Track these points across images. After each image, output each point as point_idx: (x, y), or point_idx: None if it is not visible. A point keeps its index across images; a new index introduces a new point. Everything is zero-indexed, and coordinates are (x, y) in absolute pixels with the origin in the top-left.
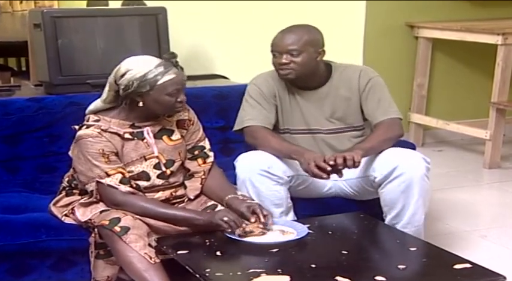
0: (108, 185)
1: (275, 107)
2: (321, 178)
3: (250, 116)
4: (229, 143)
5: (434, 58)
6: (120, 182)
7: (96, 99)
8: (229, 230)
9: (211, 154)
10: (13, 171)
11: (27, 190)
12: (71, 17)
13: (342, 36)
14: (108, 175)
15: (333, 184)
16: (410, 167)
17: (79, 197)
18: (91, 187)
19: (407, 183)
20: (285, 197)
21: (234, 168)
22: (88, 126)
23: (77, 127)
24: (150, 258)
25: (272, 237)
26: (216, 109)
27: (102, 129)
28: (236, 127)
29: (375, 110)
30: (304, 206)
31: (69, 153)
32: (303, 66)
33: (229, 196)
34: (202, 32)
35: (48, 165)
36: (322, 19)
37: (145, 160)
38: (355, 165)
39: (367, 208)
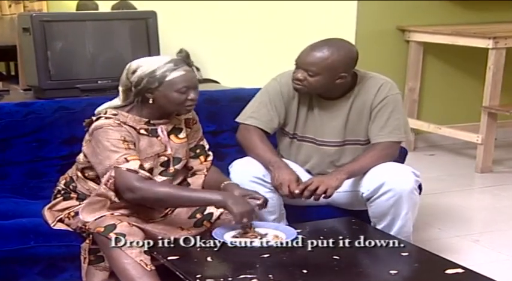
0: (127, 170)
1: (285, 111)
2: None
3: (256, 114)
4: (220, 148)
5: (426, 62)
6: (140, 168)
7: (103, 102)
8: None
9: (210, 152)
10: (1, 176)
11: (16, 196)
12: (60, 21)
13: None
14: (127, 161)
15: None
16: (398, 183)
17: (77, 203)
18: (108, 174)
19: (396, 198)
20: (278, 205)
21: (228, 173)
22: (107, 118)
23: (94, 118)
24: (146, 265)
25: (261, 241)
26: (207, 113)
27: (121, 121)
28: (239, 119)
29: (378, 129)
30: (297, 213)
31: (83, 149)
32: (316, 87)
33: (226, 182)
34: (192, 36)
35: (37, 170)
36: (313, 24)
37: (158, 157)
38: (325, 197)
39: (359, 215)
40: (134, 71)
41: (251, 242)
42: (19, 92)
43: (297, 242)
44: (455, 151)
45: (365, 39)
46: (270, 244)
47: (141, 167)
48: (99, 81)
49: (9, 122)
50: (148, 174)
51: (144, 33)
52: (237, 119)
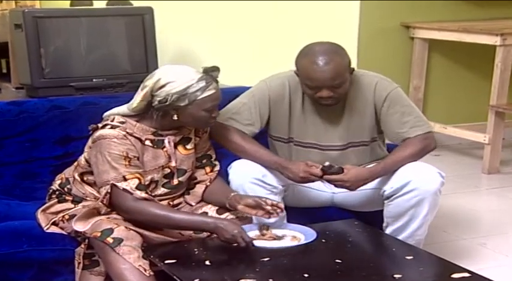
0: (124, 190)
1: (268, 115)
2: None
3: (238, 116)
4: (218, 148)
5: (431, 60)
6: (136, 187)
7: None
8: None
9: (217, 162)
10: None
11: (8, 197)
12: (54, 17)
13: (335, 38)
14: (125, 179)
15: (330, 195)
16: (424, 183)
17: (72, 206)
18: (105, 189)
19: (419, 198)
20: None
21: (226, 175)
22: (113, 127)
23: (99, 125)
24: (145, 270)
25: (279, 242)
26: None
27: (127, 132)
28: (218, 119)
29: (399, 127)
30: (298, 215)
31: (85, 154)
32: (344, 94)
33: (233, 194)
34: (190, 33)
35: (30, 171)
36: (314, 20)
37: (162, 169)
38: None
39: (362, 217)
40: (162, 87)
41: (269, 243)
42: (11, 91)
43: (299, 245)
44: (461, 151)
45: (368, 36)
46: (288, 245)
47: (139, 186)
48: (94, 80)
49: (0, 121)
50: (144, 195)
51: (140, 30)
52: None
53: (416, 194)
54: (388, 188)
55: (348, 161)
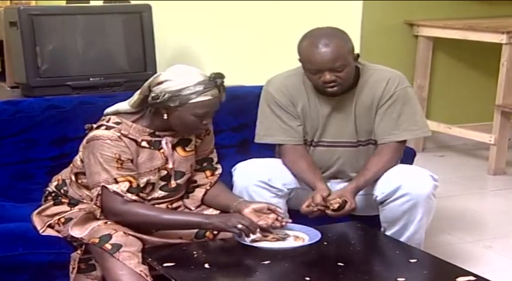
0: (114, 192)
1: (296, 115)
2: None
3: (267, 131)
4: (219, 148)
5: (435, 58)
6: (127, 190)
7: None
8: (241, 237)
9: (219, 166)
10: None
11: (3, 199)
12: (50, 14)
13: None
14: (117, 182)
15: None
16: (415, 187)
17: (68, 208)
18: (96, 191)
19: (411, 203)
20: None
21: (230, 176)
22: (108, 128)
23: (94, 125)
24: (146, 276)
25: (283, 243)
26: None
27: (122, 134)
28: (256, 140)
29: (391, 128)
30: (301, 218)
31: (80, 154)
32: (348, 80)
33: (240, 200)
34: (189, 30)
35: (26, 172)
36: (316, 18)
37: (158, 171)
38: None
39: (364, 220)
40: (159, 83)
41: (272, 244)
42: (6, 90)
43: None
44: (466, 151)
45: (371, 34)
46: (293, 246)
47: (130, 189)
48: (91, 79)
49: None
50: (134, 197)
51: (138, 28)
52: (256, 141)
53: (409, 198)
54: (379, 194)
55: (355, 162)
